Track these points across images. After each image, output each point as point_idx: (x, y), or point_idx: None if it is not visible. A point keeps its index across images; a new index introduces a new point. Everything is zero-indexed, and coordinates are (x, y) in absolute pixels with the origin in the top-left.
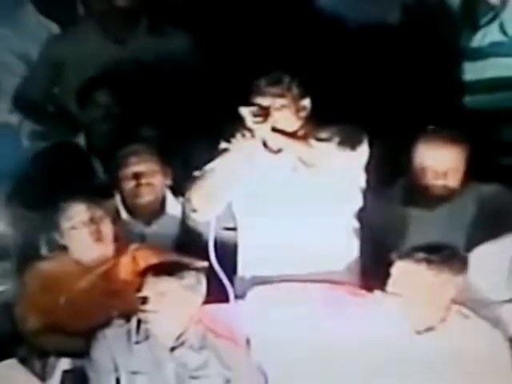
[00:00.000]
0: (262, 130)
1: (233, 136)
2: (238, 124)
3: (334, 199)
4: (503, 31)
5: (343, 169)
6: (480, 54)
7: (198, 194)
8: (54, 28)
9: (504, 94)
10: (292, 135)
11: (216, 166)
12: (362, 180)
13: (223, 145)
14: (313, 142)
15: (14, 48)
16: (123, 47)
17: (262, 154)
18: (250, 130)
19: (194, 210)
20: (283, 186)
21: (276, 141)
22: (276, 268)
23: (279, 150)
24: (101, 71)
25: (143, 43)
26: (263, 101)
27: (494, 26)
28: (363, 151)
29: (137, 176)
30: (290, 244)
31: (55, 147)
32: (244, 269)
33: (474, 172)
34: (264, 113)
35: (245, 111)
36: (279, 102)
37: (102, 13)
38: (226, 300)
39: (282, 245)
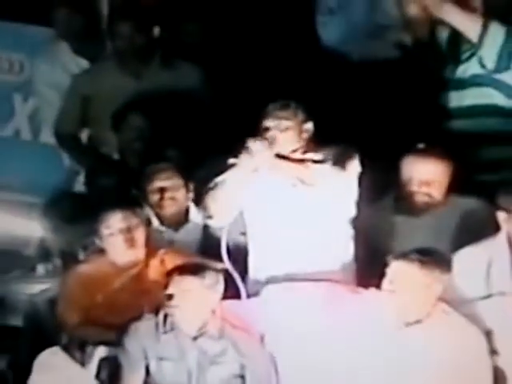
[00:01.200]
0: (266, 156)
1: (239, 153)
2: (245, 144)
3: (330, 209)
4: (482, 65)
5: (337, 185)
6: (462, 84)
7: (212, 203)
8: (84, 63)
9: (483, 119)
10: (292, 160)
11: (226, 178)
12: (354, 192)
13: (231, 160)
14: (309, 164)
15: (50, 81)
16: (140, 81)
17: (266, 168)
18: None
19: (210, 217)
20: (286, 197)
21: (277, 165)
22: (281, 269)
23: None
24: (122, 103)
25: (157, 77)
26: (271, 122)
27: (474, 61)
28: (354, 169)
29: (161, 190)
30: (293, 248)
31: (97, 165)
32: (254, 270)
33: (455, 186)
34: (270, 141)
35: (251, 142)
36: (285, 124)
37: (121, 50)
38: (240, 297)
39: (286, 248)
